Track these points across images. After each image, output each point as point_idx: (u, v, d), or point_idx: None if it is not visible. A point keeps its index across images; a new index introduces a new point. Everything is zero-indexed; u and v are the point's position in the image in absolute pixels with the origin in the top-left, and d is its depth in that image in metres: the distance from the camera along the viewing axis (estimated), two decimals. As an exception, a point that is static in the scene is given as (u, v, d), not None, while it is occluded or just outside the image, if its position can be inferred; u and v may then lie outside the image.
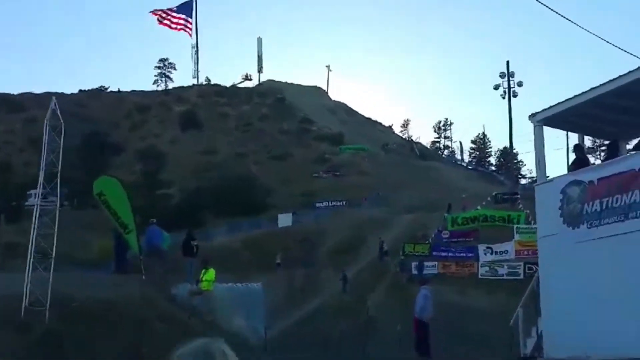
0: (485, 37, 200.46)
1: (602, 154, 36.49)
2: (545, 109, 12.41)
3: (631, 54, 9.88)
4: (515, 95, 50.82)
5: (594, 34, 10.07)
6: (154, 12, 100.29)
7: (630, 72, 10.83)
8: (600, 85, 11.30)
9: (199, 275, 17.62)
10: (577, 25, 12.06)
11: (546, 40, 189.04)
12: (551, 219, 11.94)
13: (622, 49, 10.07)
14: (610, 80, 11.15)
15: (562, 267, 11.62)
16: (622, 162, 11.10)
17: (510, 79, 50.86)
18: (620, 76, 11.00)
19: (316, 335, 24.57)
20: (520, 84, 50.42)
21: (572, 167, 12.37)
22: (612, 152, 12.03)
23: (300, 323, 30.31)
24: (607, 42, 10.63)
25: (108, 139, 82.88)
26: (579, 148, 12.78)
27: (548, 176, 12.67)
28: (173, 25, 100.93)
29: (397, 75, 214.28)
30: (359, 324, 26.33)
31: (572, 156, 13.15)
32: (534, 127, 12.60)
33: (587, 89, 11.63)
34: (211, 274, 17.05)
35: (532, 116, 12.69)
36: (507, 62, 51.66)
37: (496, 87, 51.29)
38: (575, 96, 11.81)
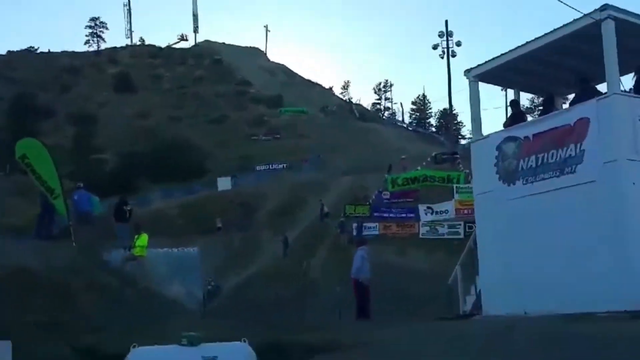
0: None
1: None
2: (480, 65, 12.19)
3: (569, 6, 9.63)
4: (454, 55, 51.06)
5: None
6: None
7: (563, 25, 10.66)
8: (535, 39, 11.11)
9: (132, 241, 16.97)
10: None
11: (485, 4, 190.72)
12: (487, 176, 11.84)
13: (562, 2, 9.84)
14: (545, 34, 10.96)
15: (499, 224, 11.56)
16: (557, 117, 11.00)
17: (449, 38, 51.02)
18: (554, 30, 10.84)
19: (255, 299, 24.31)
20: (458, 44, 50.64)
21: (508, 123, 12.23)
22: (548, 108, 11.92)
23: (240, 287, 30.05)
24: (543, -7, 10.36)
25: (37, 102, 79.48)
26: (514, 104, 12.66)
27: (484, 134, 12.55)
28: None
29: (337, 37, 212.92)
30: (299, 287, 26.18)
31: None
32: (469, 82, 12.38)
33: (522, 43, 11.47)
34: (144, 239, 16.43)
35: (467, 72, 12.46)
36: (446, 22, 51.83)
37: (435, 47, 51.39)
38: (510, 51, 11.61)
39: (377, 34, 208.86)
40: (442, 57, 51.66)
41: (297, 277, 29.60)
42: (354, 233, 34.54)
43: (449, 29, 51.30)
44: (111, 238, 20.31)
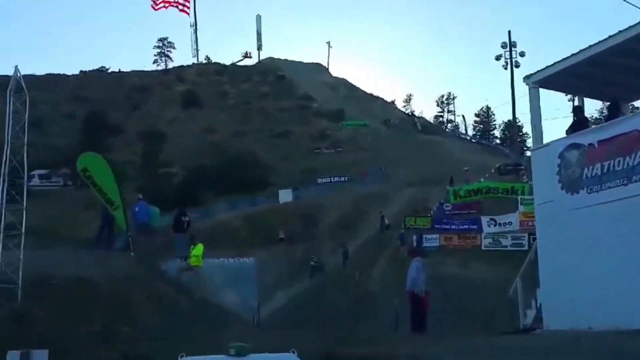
0: (487, 8, 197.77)
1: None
2: (540, 70, 11.77)
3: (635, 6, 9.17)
4: (517, 66, 49.93)
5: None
6: None
7: (628, 28, 10.15)
8: (598, 42, 10.63)
9: (189, 251, 17.16)
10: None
11: (548, 8, 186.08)
12: (549, 185, 11.36)
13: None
14: (608, 37, 10.47)
15: (561, 236, 11.06)
16: (625, 123, 10.45)
17: (512, 49, 49.93)
18: (618, 32, 10.33)
19: (314, 310, 24.18)
20: (522, 54, 49.51)
21: (571, 130, 11.72)
22: (613, 114, 11.36)
23: (299, 297, 29.97)
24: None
25: (108, 120, 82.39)
26: (578, 110, 12.13)
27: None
28: (168, 5, 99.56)
29: (398, 50, 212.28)
30: (357, 299, 25.90)
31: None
32: (529, 89, 11.98)
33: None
34: (199, 249, 16.57)
35: (526, 77, 12.06)
36: (509, 32, 50.79)
37: (498, 58, 50.38)
38: (572, 55, 11.14)
39: (439, 46, 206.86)
40: (506, 68, 50.62)
41: (356, 289, 29.31)
42: (414, 244, 34.00)
43: (512, 40, 50.26)
44: (170, 249, 20.68)
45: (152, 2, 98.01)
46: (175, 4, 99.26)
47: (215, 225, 44.84)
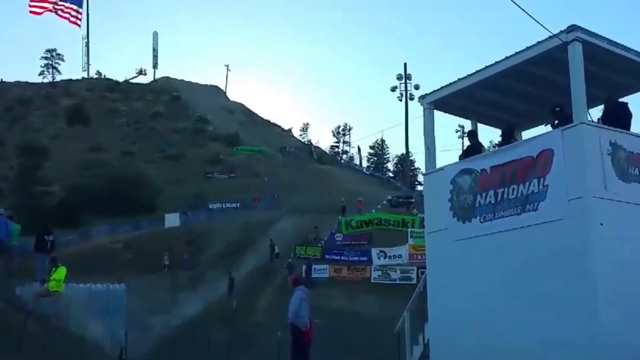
0: (385, 41, 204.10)
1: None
2: (435, 90, 11.17)
3: (536, 21, 8.65)
4: (412, 98, 50.68)
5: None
6: None
7: (525, 49, 9.71)
8: (493, 64, 10.12)
9: (49, 274, 15.25)
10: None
11: (446, 45, 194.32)
12: (440, 212, 10.68)
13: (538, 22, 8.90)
14: (504, 59, 9.98)
15: (452, 267, 10.37)
16: (518, 148, 9.94)
17: (408, 81, 50.77)
18: (514, 53, 9.86)
19: (193, 342, 22.53)
20: (417, 87, 50.32)
21: (464, 155, 11.19)
22: (507, 141, 10.92)
23: (179, 328, 28.10)
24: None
25: (-16, 132, 76.84)
26: (472, 134, 11.66)
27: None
28: (61, 14, 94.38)
29: (298, 79, 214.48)
30: (241, 330, 24.50)
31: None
32: (424, 110, 11.34)
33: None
34: (61, 272, 14.70)
35: (421, 98, 11.45)
36: (405, 65, 51.58)
37: (393, 89, 51.02)
38: (467, 76, 10.62)
39: (337, 76, 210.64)
40: (400, 100, 51.34)
41: (242, 319, 27.89)
42: (303, 274, 33.10)
43: (408, 72, 51.16)
44: (32, 272, 18.55)
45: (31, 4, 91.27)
46: (62, 12, 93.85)
47: (93, 248, 42.09)
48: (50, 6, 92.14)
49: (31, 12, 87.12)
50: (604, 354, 7.95)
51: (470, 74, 10.54)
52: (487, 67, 10.27)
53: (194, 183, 67.30)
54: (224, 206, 59.53)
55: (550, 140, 9.35)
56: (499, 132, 13.06)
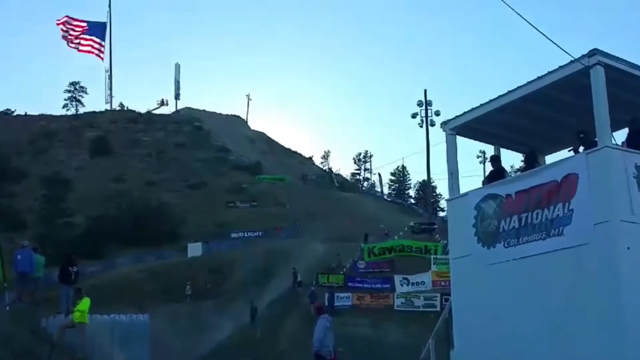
0: (405, 68, 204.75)
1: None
2: (458, 116, 11.18)
3: (558, 45, 8.67)
4: (433, 125, 50.73)
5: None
6: (61, 22, 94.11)
7: (547, 73, 9.71)
8: (516, 89, 10.12)
9: (74, 305, 15.33)
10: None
11: (464, 70, 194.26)
12: (464, 238, 10.61)
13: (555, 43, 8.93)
14: (527, 83, 9.98)
15: (477, 292, 10.27)
16: (543, 173, 9.89)
17: (428, 107, 50.86)
18: (537, 78, 9.87)
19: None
20: (437, 113, 50.39)
21: (488, 180, 11.13)
22: (530, 164, 10.86)
23: (204, 358, 28.00)
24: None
25: (11, 164, 78.08)
26: (495, 159, 11.58)
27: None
28: (82, 48, 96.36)
29: (317, 107, 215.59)
30: (264, 359, 24.35)
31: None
32: (446, 136, 11.34)
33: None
34: (85, 303, 14.76)
35: (444, 124, 11.44)
36: (425, 91, 51.73)
37: (414, 116, 51.13)
38: (490, 101, 10.62)
39: (357, 103, 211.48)
40: (421, 126, 51.40)
41: (266, 348, 27.74)
42: (326, 304, 32.90)
43: (428, 99, 51.25)
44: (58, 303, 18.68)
45: (64, 34, 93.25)
46: (88, 47, 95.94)
47: (117, 278, 42.34)
48: (75, 40, 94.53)
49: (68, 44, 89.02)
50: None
51: (492, 99, 10.54)
52: (509, 92, 10.27)
53: (217, 212, 67.57)
54: (246, 235, 59.63)
55: (575, 164, 9.29)
56: (519, 156, 13.02)
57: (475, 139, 12.29)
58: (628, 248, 8.48)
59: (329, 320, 11.66)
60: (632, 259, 8.43)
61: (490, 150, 12.68)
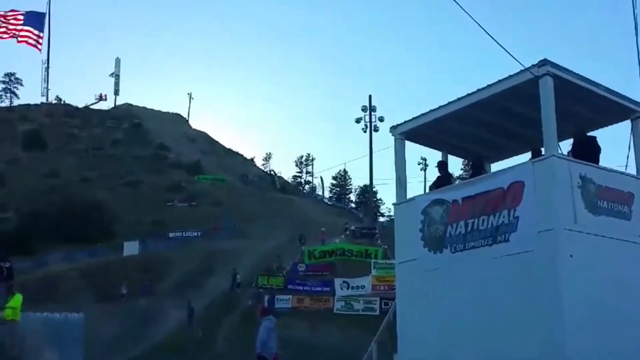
0: (349, 73, 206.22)
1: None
2: (407, 121, 11.24)
3: (508, 52, 8.81)
4: (376, 130, 51.20)
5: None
6: None
7: (497, 81, 9.88)
8: (466, 95, 10.28)
9: (5, 302, 14.69)
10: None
11: (411, 76, 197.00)
12: (411, 242, 10.66)
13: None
14: (476, 91, 10.14)
15: (421, 297, 10.32)
16: (490, 180, 10.03)
17: (372, 113, 51.25)
18: (487, 86, 10.03)
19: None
20: (381, 119, 50.91)
21: (435, 185, 11.25)
22: (477, 171, 11.02)
23: (138, 359, 27.32)
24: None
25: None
26: (442, 165, 11.72)
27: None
28: (20, 39, 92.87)
29: (260, 109, 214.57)
30: (202, 361, 23.95)
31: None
32: (395, 140, 11.38)
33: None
34: (17, 300, 14.19)
35: (393, 128, 11.48)
36: (370, 96, 52.14)
37: (358, 121, 51.44)
38: (439, 107, 10.74)
39: (301, 106, 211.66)
40: (365, 132, 51.79)
41: (202, 349, 27.27)
42: (266, 305, 32.65)
43: (373, 104, 51.66)
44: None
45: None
46: (25, 38, 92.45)
47: (49, 276, 40.90)
48: (11, 32, 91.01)
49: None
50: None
51: (442, 106, 10.65)
52: (458, 99, 10.40)
53: (154, 211, 66.21)
54: (184, 235, 58.63)
55: (521, 172, 9.46)
56: (459, 163, 13.23)
57: (424, 144, 12.37)
58: (571, 256, 8.68)
59: (273, 322, 11.43)
60: (575, 266, 8.63)
61: (435, 156, 12.81)
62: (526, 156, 11.07)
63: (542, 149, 9.80)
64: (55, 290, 36.90)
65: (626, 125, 10.45)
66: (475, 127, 11.21)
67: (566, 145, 10.16)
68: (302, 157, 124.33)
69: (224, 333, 31.77)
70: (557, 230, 8.76)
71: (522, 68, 9.17)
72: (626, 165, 10.15)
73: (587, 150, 9.54)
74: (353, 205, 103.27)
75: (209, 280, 42.03)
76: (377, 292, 36.13)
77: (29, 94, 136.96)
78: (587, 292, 8.63)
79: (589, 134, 10.14)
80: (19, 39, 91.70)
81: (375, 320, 26.32)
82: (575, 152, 9.66)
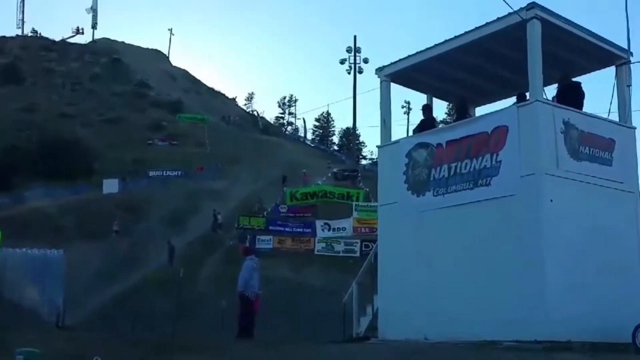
0: (336, 13, 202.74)
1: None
2: (393, 63, 11.16)
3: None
4: (361, 72, 50.75)
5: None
6: None
7: (484, 24, 9.76)
8: (452, 38, 10.20)
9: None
10: None
11: (399, 18, 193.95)
12: (394, 185, 10.73)
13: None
14: (463, 34, 10.04)
15: (403, 239, 10.47)
16: (474, 124, 10.05)
17: (357, 54, 50.73)
18: (474, 29, 9.92)
19: (132, 312, 22.11)
20: (366, 61, 50.45)
21: (419, 128, 11.23)
22: (461, 115, 10.99)
23: (119, 297, 27.59)
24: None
25: None
26: (426, 108, 11.68)
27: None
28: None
29: (243, 48, 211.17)
30: (183, 299, 24.20)
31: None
32: (381, 82, 11.33)
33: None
34: (-4, 236, 14.14)
35: (379, 70, 11.39)
36: (354, 37, 51.50)
37: (342, 62, 50.93)
38: (424, 50, 10.63)
39: (284, 46, 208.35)
40: (349, 73, 51.33)
41: (183, 289, 27.52)
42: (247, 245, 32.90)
43: (358, 46, 51.08)
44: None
45: None
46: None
47: (27, 212, 40.67)
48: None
49: None
50: (548, 328, 8.16)
51: (429, 48, 10.54)
52: (445, 41, 10.29)
53: (134, 149, 65.57)
54: (164, 174, 58.23)
55: (506, 116, 9.46)
56: (445, 107, 13.16)
57: (410, 87, 12.30)
58: (551, 200, 8.79)
59: (255, 261, 11.58)
60: (555, 211, 8.76)
61: (419, 99, 12.75)
62: (510, 101, 11.05)
63: (527, 94, 9.78)
64: (34, 227, 36.70)
65: (611, 70, 10.43)
66: (462, 71, 11.15)
67: (551, 90, 10.13)
68: (285, 98, 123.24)
69: (205, 273, 32.05)
70: (538, 175, 8.85)
71: (510, 11, 9.06)
72: (609, 112, 10.18)
73: (572, 96, 9.52)
74: (336, 147, 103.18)
75: (190, 220, 42.08)
76: (358, 235, 36.49)
77: (3, 26, 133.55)
78: (568, 236, 8.81)
79: (574, 79, 10.10)
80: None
81: (355, 263, 26.68)
82: (560, 98, 9.65)
